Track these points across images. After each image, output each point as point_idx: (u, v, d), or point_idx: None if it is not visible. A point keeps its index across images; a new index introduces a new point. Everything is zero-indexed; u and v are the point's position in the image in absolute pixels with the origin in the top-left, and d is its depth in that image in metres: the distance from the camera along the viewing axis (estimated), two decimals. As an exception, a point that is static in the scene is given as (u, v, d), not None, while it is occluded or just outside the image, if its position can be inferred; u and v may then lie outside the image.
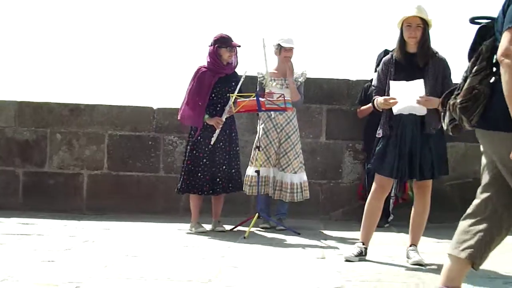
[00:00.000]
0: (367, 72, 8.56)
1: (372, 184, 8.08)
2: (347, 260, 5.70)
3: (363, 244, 5.87)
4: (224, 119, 7.28)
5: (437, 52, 5.68)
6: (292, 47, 7.66)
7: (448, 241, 6.53)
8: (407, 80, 5.59)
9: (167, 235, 6.99)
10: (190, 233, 7.24)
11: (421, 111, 5.58)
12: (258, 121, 7.71)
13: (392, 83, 5.63)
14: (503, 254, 5.53)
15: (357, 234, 7.20)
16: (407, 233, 5.97)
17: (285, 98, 7.23)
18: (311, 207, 8.40)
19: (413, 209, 5.88)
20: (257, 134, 7.63)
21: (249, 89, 7.58)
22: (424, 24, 5.58)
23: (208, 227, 7.42)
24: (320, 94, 8.79)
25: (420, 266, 5.56)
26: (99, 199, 8.66)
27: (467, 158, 8.61)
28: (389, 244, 6.74)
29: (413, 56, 5.65)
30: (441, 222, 7.64)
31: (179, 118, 7.51)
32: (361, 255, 5.79)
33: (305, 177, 7.70)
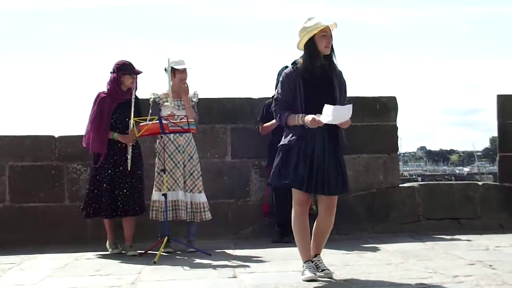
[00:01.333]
0: (267, 89, 8.65)
1: (276, 199, 8.16)
2: (309, 281, 5.47)
3: (312, 262, 5.68)
4: (134, 137, 7.34)
5: (336, 65, 5.74)
6: (185, 68, 7.67)
7: (356, 252, 6.71)
8: (318, 92, 5.59)
9: (77, 264, 6.85)
10: (100, 258, 7.19)
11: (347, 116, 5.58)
12: (155, 144, 7.69)
13: (327, 107, 5.48)
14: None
15: (267, 252, 7.28)
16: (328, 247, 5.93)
17: (189, 120, 7.23)
18: (220, 227, 8.40)
19: (316, 223, 5.81)
20: (159, 157, 7.60)
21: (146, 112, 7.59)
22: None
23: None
24: (224, 113, 8.84)
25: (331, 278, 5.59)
26: (3, 232, 8.39)
27: (370, 170, 8.80)
28: (298, 259, 6.79)
29: (320, 69, 5.63)
30: (347, 234, 7.79)
31: (84, 145, 7.57)
32: (316, 270, 5.61)
33: (205, 198, 7.73)
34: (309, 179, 5.55)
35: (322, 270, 5.67)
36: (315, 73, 5.61)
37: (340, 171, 5.63)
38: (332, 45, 5.66)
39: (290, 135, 5.68)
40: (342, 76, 5.78)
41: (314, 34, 5.57)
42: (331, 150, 5.61)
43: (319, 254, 5.81)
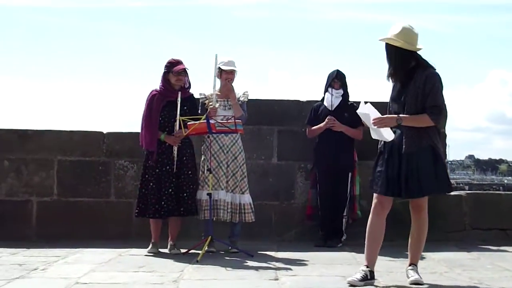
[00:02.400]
0: (317, 93, 8.64)
1: (321, 203, 8.15)
2: (350, 285, 5.47)
3: (367, 267, 5.59)
4: (181, 137, 7.36)
5: (427, 66, 5.63)
6: (234, 69, 7.69)
7: (401, 260, 6.64)
8: (394, 97, 5.67)
9: (120, 260, 6.91)
10: (144, 255, 7.25)
11: (388, 136, 5.56)
12: (203, 143, 7.72)
13: (359, 111, 5.69)
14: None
15: (309, 255, 7.25)
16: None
17: (236, 120, 7.25)
18: (263, 229, 8.40)
19: (411, 228, 5.78)
20: (204, 157, 7.63)
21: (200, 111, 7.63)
22: (388, 46, 5.61)
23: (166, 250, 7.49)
24: (271, 115, 8.84)
25: (418, 285, 5.53)
26: (49, 226, 8.52)
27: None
28: (341, 264, 6.76)
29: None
30: (392, 240, 7.71)
31: (140, 143, 7.63)
32: (367, 279, 5.52)
33: (250, 199, 7.71)
34: (386, 182, 5.56)
35: (410, 277, 5.63)
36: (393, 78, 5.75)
37: (419, 174, 5.50)
38: (396, 52, 5.63)
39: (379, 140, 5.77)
40: (425, 78, 5.57)
41: None
42: (406, 154, 5.52)
43: (414, 264, 5.74)
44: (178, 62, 7.53)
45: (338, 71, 8.32)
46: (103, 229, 8.50)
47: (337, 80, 8.29)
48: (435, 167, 5.57)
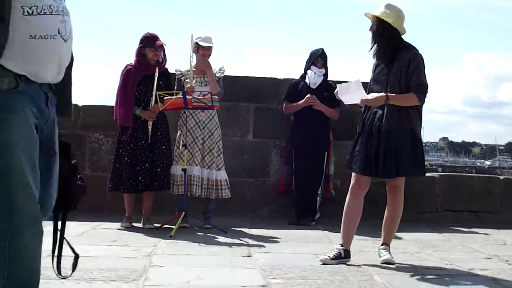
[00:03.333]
0: (293, 71, 8.65)
1: (296, 181, 8.19)
2: (322, 263, 5.50)
3: (342, 246, 5.61)
4: (157, 112, 7.35)
5: (409, 46, 5.62)
6: (211, 46, 7.65)
7: (372, 239, 6.69)
8: (375, 77, 5.68)
9: (94, 233, 6.90)
10: (119, 229, 7.26)
11: (361, 96, 5.61)
12: (179, 118, 7.70)
13: (338, 86, 5.73)
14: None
15: (282, 233, 7.29)
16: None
17: (212, 96, 7.24)
18: (237, 205, 8.41)
19: (386, 208, 5.80)
20: (180, 132, 7.62)
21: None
22: (378, 21, 5.58)
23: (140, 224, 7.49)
24: (248, 92, 8.83)
25: (389, 264, 5.56)
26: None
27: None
28: (314, 242, 6.80)
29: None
30: (365, 219, 7.76)
31: (114, 118, 7.59)
32: (340, 257, 5.54)
33: (226, 175, 7.72)
34: (365, 162, 5.55)
35: (381, 256, 5.66)
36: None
37: (397, 154, 5.50)
38: (383, 29, 5.63)
39: (358, 120, 5.82)
40: (409, 58, 5.55)
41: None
42: (386, 132, 5.50)
43: (387, 244, 5.77)
44: (155, 37, 7.47)
45: (322, 50, 8.32)
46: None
47: (320, 59, 8.29)
48: (413, 148, 5.58)
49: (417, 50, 5.64)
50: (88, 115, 8.66)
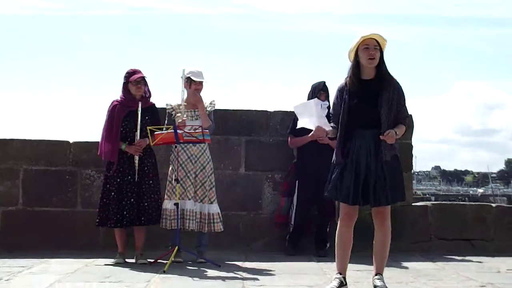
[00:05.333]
0: (286, 103, 8.67)
1: (298, 212, 8.19)
2: None
3: (341, 274, 5.76)
4: (143, 146, 7.39)
5: (393, 78, 5.70)
6: (202, 81, 7.69)
7: (367, 270, 6.68)
8: (360, 107, 5.64)
9: (87, 270, 6.85)
10: (111, 265, 7.22)
11: (324, 126, 5.74)
12: (171, 153, 7.71)
13: (294, 107, 5.79)
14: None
15: (277, 265, 7.26)
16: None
17: (203, 130, 7.26)
18: (231, 239, 8.39)
19: (374, 237, 5.85)
20: (172, 167, 7.62)
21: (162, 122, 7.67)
22: (380, 47, 5.64)
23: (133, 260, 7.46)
24: (239, 125, 8.84)
25: None
26: (14, 236, 8.42)
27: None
28: (308, 274, 6.78)
29: (368, 82, 5.67)
30: (362, 251, 7.74)
31: (98, 153, 7.59)
32: (342, 285, 5.70)
33: (218, 209, 7.70)
34: (355, 192, 5.61)
35: (376, 286, 5.68)
36: (356, 89, 5.67)
37: (388, 182, 5.59)
38: (382, 58, 5.67)
39: (336, 148, 5.80)
40: (399, 90, 5.69)
41: (358, 47, 5.64)
42: (377, 162, 5.59)
43: (380, 273, 5.78)
44: (135, 72, 7.53)
45: (324, 82, 8.35)
46: (70, 239, 8.42)
47: (323, 92, 8.32)
48: (400, 176, 5.75)
49: (396, 80, 5.74)
50: (80, 151, 8.65)
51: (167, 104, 7.81)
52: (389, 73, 5.72)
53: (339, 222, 5.84)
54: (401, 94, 5.68)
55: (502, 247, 8.71)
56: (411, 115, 8.98)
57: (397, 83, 5.71)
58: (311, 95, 8.33)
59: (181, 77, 7.60)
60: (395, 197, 5.71)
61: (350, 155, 5.68)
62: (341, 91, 5.79)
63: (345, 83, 5.77)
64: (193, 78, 7.64)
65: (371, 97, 5.64)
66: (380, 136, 5.55)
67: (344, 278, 5.74)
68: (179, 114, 7.55)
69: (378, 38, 5.64)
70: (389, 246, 5.85)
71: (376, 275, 5.78)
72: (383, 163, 5.60)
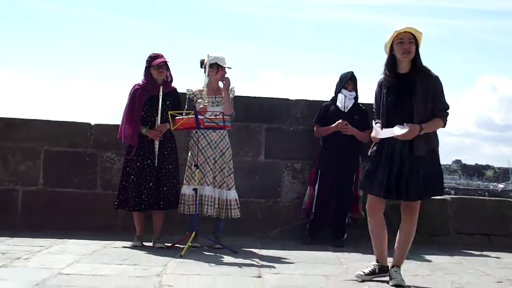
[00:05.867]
0: (306, 92, 8.66)
1: (320, 202, 8.16)
2: (358, 278, 5.75)
3: (378, 262, 5.84)
4: (163, 131, 7.40)
5: (429, 70, 5.66)
6: (229, 67, 7.67)
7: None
8: (396, 101, 5.63)
9: (104, 252, 6.90)
10: (128, 248, 7.24)
11: (399, 131, 5.58)
12: (190, 138, 7.72)
13: (381, 133, 5.69)
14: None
15: (293, 254, 7.27)
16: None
17: (224, 117, 7.26)
18: (248, 226, 8.40)
19: (399, 229, 5.86)
20: (191, 152, 7.63)
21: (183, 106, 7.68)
22: (416, 41, 5.61)
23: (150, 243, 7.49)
24: (260, 113, 8.83)
25: (400, 287, 5.62)
26: (34, 215, 8.49)
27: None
28: (325, 264, 6.77)
29: (404, 76, 5.65)
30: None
31: (118, 136, 7.60)
32: (374, 273, 5.78)
33: (236, 195, 7.71)
34: (388, 185, 5.61)
35: (392, 279, 5.69)
36: (392, 83, 5.65)
37: (421, 178, 5.57)
38: (417, 52, 5.62)
39: (373, 143, 5.81)
40: (434, 83, 5.63)
41: (393, 41, 5.62)
42: (411, 157, 5.57)
43: (398, 266, 5.80)
44: (158, 56, 7.53)
45: (352, 73, 8.33)
46: (88, 220, 8.48)
47: (351, 82, 8.31)
48: (436, 170, 5.70)
49: (433, 72, 5.67)
50: (100, 134, 8.69)
51: (187, 90, 7.81)
52: (424, 66, 5.67)
53: (367, 213, 5.90)
54: (437, 86, 5.62)
55: (521, 243, 8.65)
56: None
57: (434, 75, 5.65)
58: (339, 85, 8.34)
59: (204, 63, 7.60)
60: (428, 192, 5.69)
61: (385, 148, 5.68)
62: (380, 85, 5.80)
63: (384, 77, 5.76)
64: (219, 63, 7.62)
65: (406, 91, 5.61)
66: (396, 134, 5.53)
67: (382, 266, 5.80)
68: (200, 100, 7.55)
69: (413, 31, 5.61)
70: (411, 241, 5.85)
71: (393, 267, 5.78)
72: (417, 157, 5.57)
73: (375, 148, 5.77)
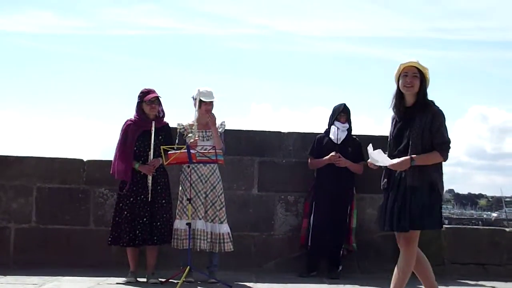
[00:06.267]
0: (298, 124, 8.69)
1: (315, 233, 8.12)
2: None
3: None
4: (156, 166, 7.42)
5: (431, 103, 5.65)
6: (213, 101, 7.70)
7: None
8: (396, 134, 5.67)
9: (97, 290, 6.86)
10: (122, 284, 7.21)
11: (386, 162, 5.61)
12: (181, 173, 7.72)
13: (371, 154, 5.69)
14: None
15: (287, 287, 7.22)
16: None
17: (217, 151, 7.27)
18: (243, 259, 8.37)
19: (397, 264, 5.76)
20: (183, 186, 7.62)
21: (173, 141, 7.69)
22: (421, 75, 5.61)
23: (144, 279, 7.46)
24: (252, 146, 8.84)
25: None
26: (27, 253, 8.45)
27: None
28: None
29: (408, 109, 5.66)
30: (370, 273, 7.71)
31: (111, 172, 7.60)
32: None
33: (229, 229, 7.69)
34: (385, 217, 5.63)
35: None
36: (397, 113, 5.70)
37: (413, 208, 5.50)
38: (425, 85, 5.63)
39: (382, 176, 5.82)
40: (432, 115, 5.58)
41: (400, 75, 5.66)
42: (406, 187, 5.55)
43: None
44: (150, 91, 7.58)
45: (344, 105, 8.37)
46: (82, 257, 8.44)
47: (343, 114, 8.35)
48: (430, 202, 5.57)
49: (436, 106, 5.67)
50: (93, 169, 8.68)
51: (178, 124, 7.83)
52: (426, 99, 5.66)
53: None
54: (435, 120, 5.56)
55: (516, 272, 8.63)
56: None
57: (435, 109, 5.62)
58: (332, 117, 8.37)
59: (193, 97, 7.65)
60: (415, 224, 5.54)
61: (391, 182, 5.67)
62: (392, 119, 5.83)
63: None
64: (202, 98, 7.64)
65: (407, 124, 5.63)
66: (387, 164, 5.55)
67: None
68: (190, 134, 7.57)
69: (418, 66, 5.63)
70: (410, 272, 5.74)
71: None
72: (410, 188, 5.53)
73: (385, 180, 5.75)
